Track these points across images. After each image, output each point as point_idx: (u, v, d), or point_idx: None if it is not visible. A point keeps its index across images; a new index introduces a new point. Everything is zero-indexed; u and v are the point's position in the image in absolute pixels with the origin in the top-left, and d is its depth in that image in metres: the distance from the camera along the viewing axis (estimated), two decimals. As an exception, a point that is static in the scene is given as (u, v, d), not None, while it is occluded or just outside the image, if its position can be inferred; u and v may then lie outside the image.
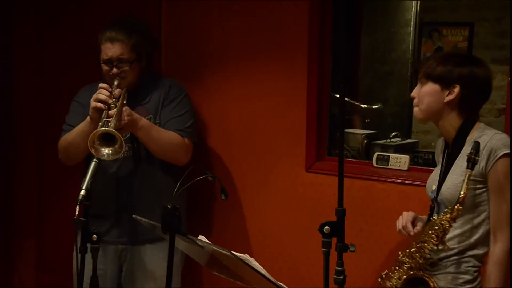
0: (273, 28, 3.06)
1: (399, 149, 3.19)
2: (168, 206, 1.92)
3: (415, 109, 2.24)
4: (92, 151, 2.35)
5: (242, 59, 3.17)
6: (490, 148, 2.09)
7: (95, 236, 2.09)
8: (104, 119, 2.53)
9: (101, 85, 2.63)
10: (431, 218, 2.17)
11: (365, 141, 3.57)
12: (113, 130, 2.40)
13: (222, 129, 3.26)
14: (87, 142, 2.69)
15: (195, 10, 3.27)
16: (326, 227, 1.70)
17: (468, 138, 2.17)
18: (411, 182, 2.79)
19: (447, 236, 2.10)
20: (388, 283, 2.26)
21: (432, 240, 2.09)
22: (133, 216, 2.26)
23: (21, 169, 3.64)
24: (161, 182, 2.84)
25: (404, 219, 2.27)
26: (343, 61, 2.54)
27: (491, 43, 4.61)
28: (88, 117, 2.64)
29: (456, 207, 2.03)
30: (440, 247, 2.10)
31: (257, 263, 1.89)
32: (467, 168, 2.00)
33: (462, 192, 2.00)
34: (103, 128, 2.41)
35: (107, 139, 2.40)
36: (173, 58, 3.38)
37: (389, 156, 2.97)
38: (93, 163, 2.23)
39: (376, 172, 2.93)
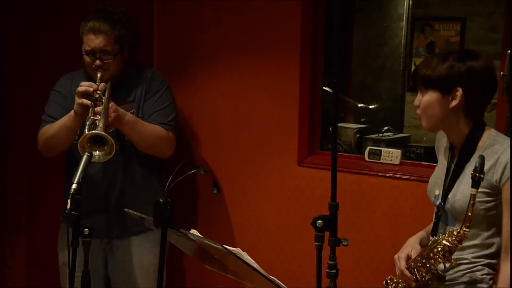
0: (266, 23, 3.06)
1: (391, 144, 3.19)
2: (160, 200, 1.91)
3: (420, 119, 2.09)
4: (83, 155, 2.31)
5: (235, 54, 3.16)
6: (505, 162, 1.96)
7: (86, 230, 2.08)
8: (91, 117, 2.49)
9: (83, 83, 2.58)
10: (436, 236, 2.07)
11: (357, 135, 3.58)
12: (104, 133, 2.37)
13: (215, 123, 3.25)
14: (70, 136, 2.68)
15: (188, 6, 3.26)
16: (319, 221, 1.69)
17: (479, 145, 2.04)
18: (403, 176, 2.80)
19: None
20: None
21: (438, 259, 1.99)
22: (125, 210, 2.26)
23: (12, 164, 3.61)
24: (145, 176, 2.84)
25: (400, 265, 2.12)
26: (336, 56, 2.51)
27: (483, 37, 4.62)
28: (72, 112, 2.60)
29: (463, 229, 1.91)
30: (447, 264, 2.00)
31: (249, 257, 1.89)
32: (472, 187, 1.86)
33: (468, 212, 1.88)
34: (93, 131, 2.37)
35: (97, 140, 2.36)
36: (166, 53, 3.37)
37: (381, 150, 2.97)
38: (85, 157, 2.21)
39: (368, 166, 2.94)
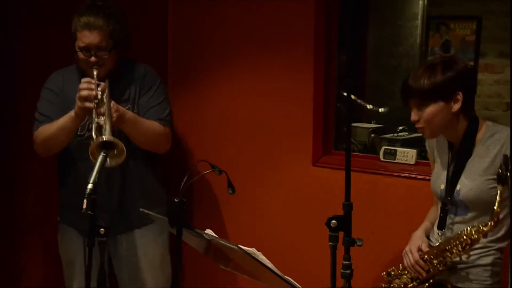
0: (279, 23, 3.06)
1: (406, 143, 3.18)
2: (175, 200, 1.92)
3: (423, 131, 2.17)
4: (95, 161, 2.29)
5: (249, 55, 3.16)
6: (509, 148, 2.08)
7: (102, 229, 2.09)
8: (96, 120, 2.46)
9: (84, 80, 2.53)
10: (445, 229, 2.19)
11: (372, 135, 3.57)
12: (115, 139, 2.33)
13: (229, 124, 3.26)
14: (68, 136, 2.65)
15: (202, 6, 3.26)
16: (333, 221, 1.70)
17: (479, 137, 2.15)
18: (418, 176, 2.79)
19: None
20: (397, 281, 2.26)
21: (457, 251, 2.09)
22: (140, 210, 2.27)
23: (25, 164, 3.63)
24: (143, 174, 2.82)
25: (414, 257, 2.23)
26: (350, 56, 2.51)
27: (499, 36, 4.60)
28: (72, 113, 2.57)
29: (490, 223, 2.00)
30: (464, 256, 2.09)
31: (264, 257, 1.89)
32: (498, 183, 1.96)
33: (496, 208, 1.96)
34: (105, 138, 2.31)
35: (105, 145, 2.31)
36: (180, 53, 3.38)
37: (396, 150, 2.96)
38: (100, 157, 2.21)
39: (383, 166, 2.93)
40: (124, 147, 2.36)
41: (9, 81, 3.42)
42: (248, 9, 3.13)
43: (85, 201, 2.05)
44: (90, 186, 2.08)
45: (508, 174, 1.94)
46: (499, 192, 1.95)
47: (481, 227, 2.03)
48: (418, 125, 2.17)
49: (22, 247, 3.62)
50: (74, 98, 2.64)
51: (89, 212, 2.07)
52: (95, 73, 2.60)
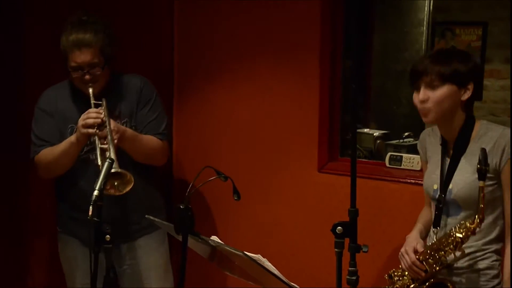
0: (285, 28, 3.06)
1: (412, 149, 3.17)
2: (181, 206, 1.92)
3: (427, 113, 2.14)
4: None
5: (255, 59, 3.17)
6: (503, 145, 2.08)
7: (108, 236, 2.09)
8: (99, 146, 2.47)
9: (93, 110, 2.54)
10: (440, 228, 2.19)
11: (378, 141, 3.57)
12: (121, 170, 2.35)
13: (235, 129, 3.26)
14: (72, 160, 2.65)
15: (207, 10, 3.28)
16: (339, 227, 1.70)
17: (473, 136, 2.16)
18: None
19: None
20: (399, 283, 2.27)
21: (449, 250, 2.10)
22: (146, 216, 2.27)
23: (27, 164, 3.62)
24: (142, 182, 2.79)
25: (410, 258, 2.22)
26: (355, 61, 2.52)
27: (505, 42, 4.58)
28: (73, 138, 2.58)
29: (476, 220, 2.01)
30: (458, 254, 2.10)
31: (269, 264, 1.89)
32: (479, 179, 1.96)
33: (481, 205, 1.98)
34: (113, 170, 2.29)
35: (113, 174, 2.31)
36: (185, 59, 3.39)
37: (402, 156, 2.96)
38: (106, 163, 2.22)
39: (389, 173, 2.93)
40: (132, 177, 2.38)
41: (10, 83, 3.43)
42: (253, 14, 3.14)
43: (91, 207, 2.05)
44: (96, 192, 2.08)
45: (487, 168, 1.95)
46: (480, 188, 1.96)
47: (468, 225, 2.04)
48: (425, 105, 2.13)
49: (26, 248, 3.63)
50: (69, 116, 2.68)
51: (95, 219, 2.07)
52: (90, 91, 2.59)
